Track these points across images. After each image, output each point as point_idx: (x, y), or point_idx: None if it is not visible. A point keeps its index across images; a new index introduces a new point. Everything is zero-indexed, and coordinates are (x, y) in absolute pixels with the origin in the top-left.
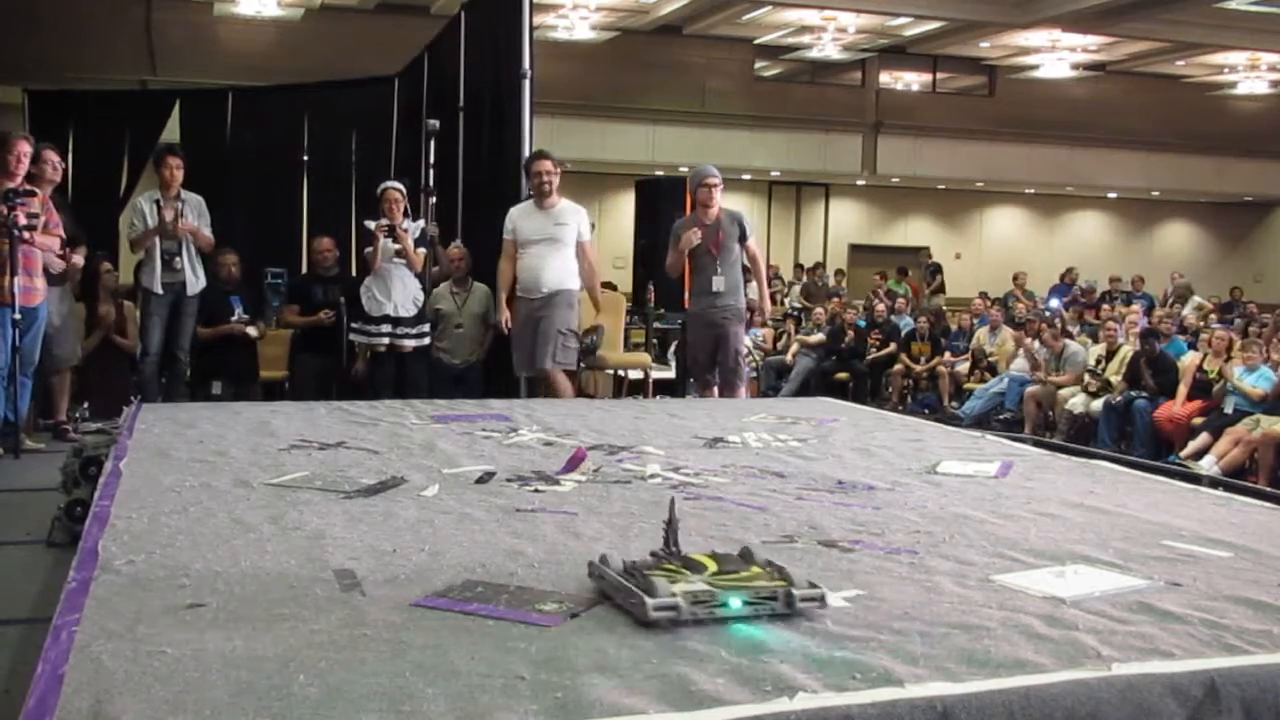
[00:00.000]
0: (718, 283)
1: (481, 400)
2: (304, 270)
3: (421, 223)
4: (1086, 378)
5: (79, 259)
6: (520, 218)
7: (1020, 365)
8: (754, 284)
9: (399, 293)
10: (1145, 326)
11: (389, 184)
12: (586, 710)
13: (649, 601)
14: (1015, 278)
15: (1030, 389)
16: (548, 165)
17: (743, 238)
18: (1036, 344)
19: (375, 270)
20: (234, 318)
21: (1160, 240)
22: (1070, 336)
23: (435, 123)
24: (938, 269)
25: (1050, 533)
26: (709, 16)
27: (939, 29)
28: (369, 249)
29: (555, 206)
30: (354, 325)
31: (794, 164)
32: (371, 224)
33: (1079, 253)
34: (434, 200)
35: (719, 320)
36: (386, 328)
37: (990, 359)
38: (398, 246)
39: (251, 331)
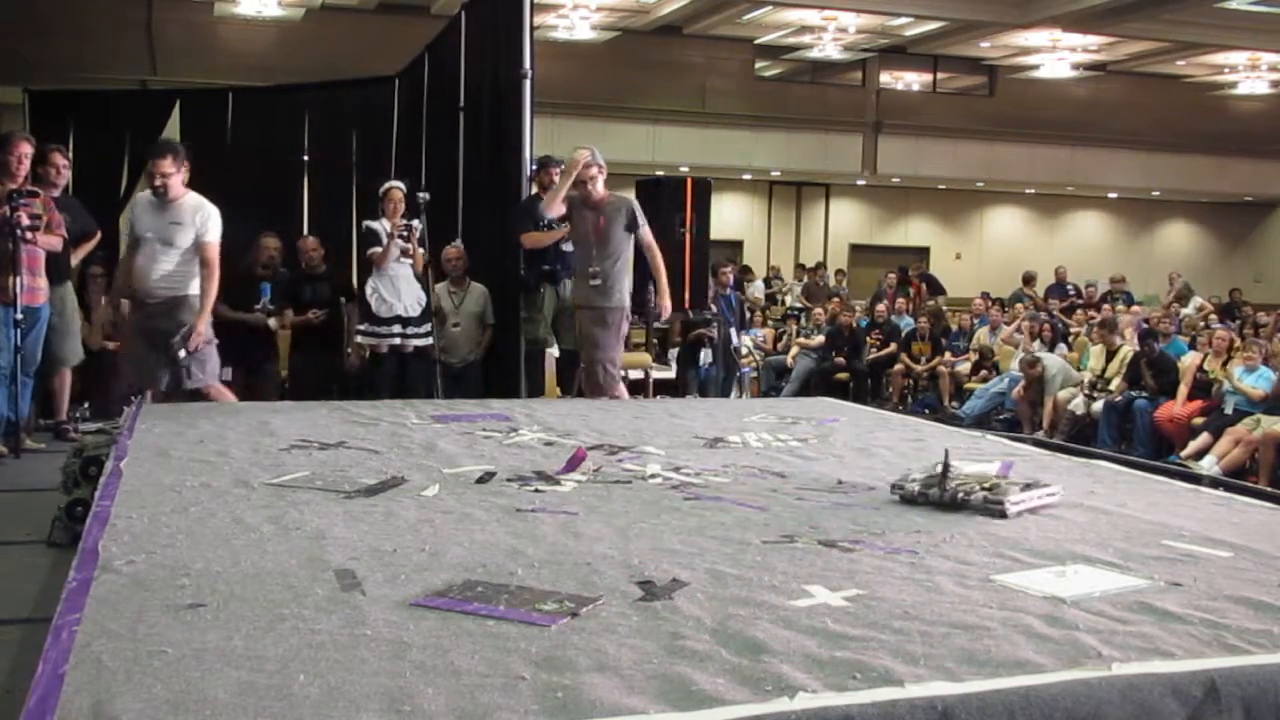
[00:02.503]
0: (592, 276)
1: (481, 400)
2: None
3: (417, 222)
4: (1088, 379)
5: (90, 245)
6: (140, 210)
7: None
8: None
9: (406, 293)
10: (1142, 327)
11: (391, 183)
12: (586, 710)
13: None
14: (1027, 280)
15: (1018, 390)
16: (163, 166)
17: (632, 227)
18: (1037, 344)
19: (382, 270)
20: (258, 306)
21: (1160, 240)
22: (1066, 338)
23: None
24: (933, 280)
25: (1050, 533)
26: (709, 16)
27: (939, 29)
28: (373, 249)
29: (175, 203)
30: (361, 327)
31: (794, 164)
32: (376, 224)
33: (1079, 253)
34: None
35: (583, 318)
36: (397, 328)
37: (995, 359)
38: (408, 246)
39: (272, 323)
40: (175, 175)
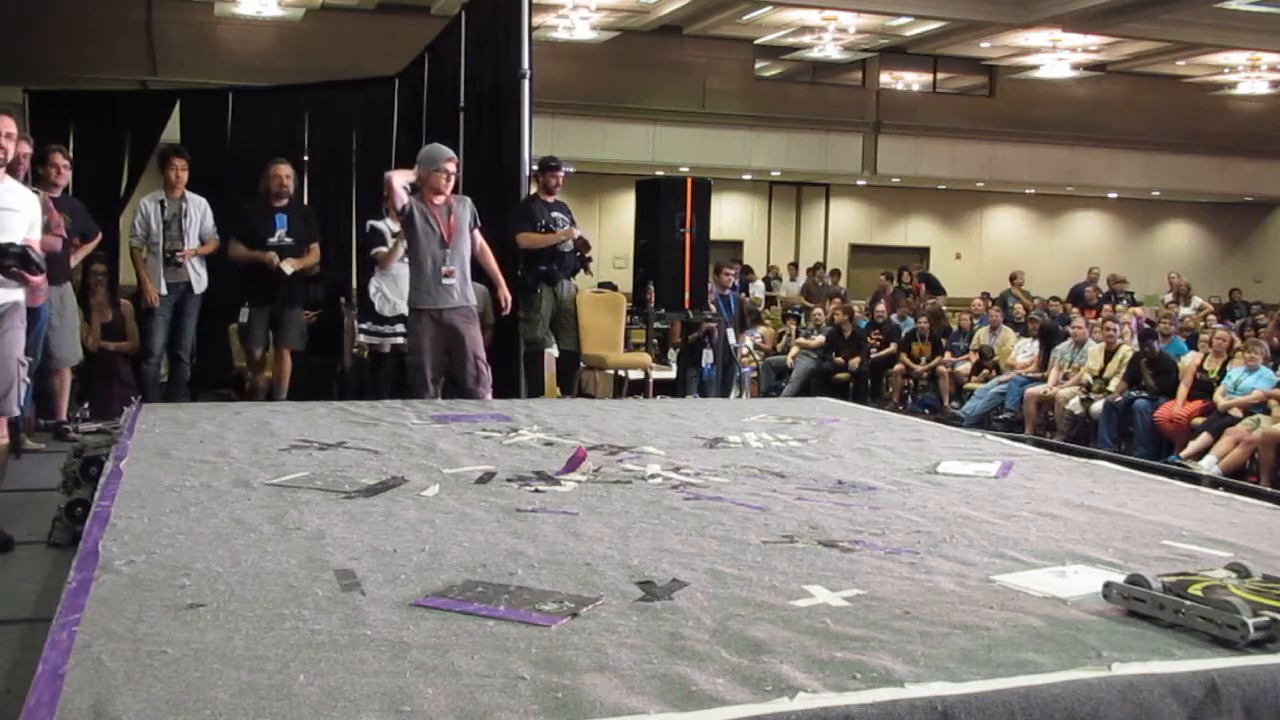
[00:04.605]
0: (450, 276)
1: (481, 400)
2: None
3: None
4: (1088, 376)
5: (90, 246)
6: None
7: (1025, 361)
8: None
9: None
10: (1142, 326)
11: None
12: (586, 710)
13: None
14: (1013, 278)
15: (1031, 389)
16: (6, 125)
17: (474, 224)
18: (1036, 344)
19: (386, 270)
20: (272, 239)
21: (1161, 240)
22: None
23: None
24: (933, 280)
25: (1050, 533)
26: (709, 16)
27: (939, 29)
28: (378, 249)
29: (3, 184)
30: (363, 326)
31: (794, 164)
32: (381, 223)
33: (1079, 253)
34: None
35: (450, 320)
36: (400, 327)
37: (995, 359)
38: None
39: (286, 268)
40: (14, 144)
